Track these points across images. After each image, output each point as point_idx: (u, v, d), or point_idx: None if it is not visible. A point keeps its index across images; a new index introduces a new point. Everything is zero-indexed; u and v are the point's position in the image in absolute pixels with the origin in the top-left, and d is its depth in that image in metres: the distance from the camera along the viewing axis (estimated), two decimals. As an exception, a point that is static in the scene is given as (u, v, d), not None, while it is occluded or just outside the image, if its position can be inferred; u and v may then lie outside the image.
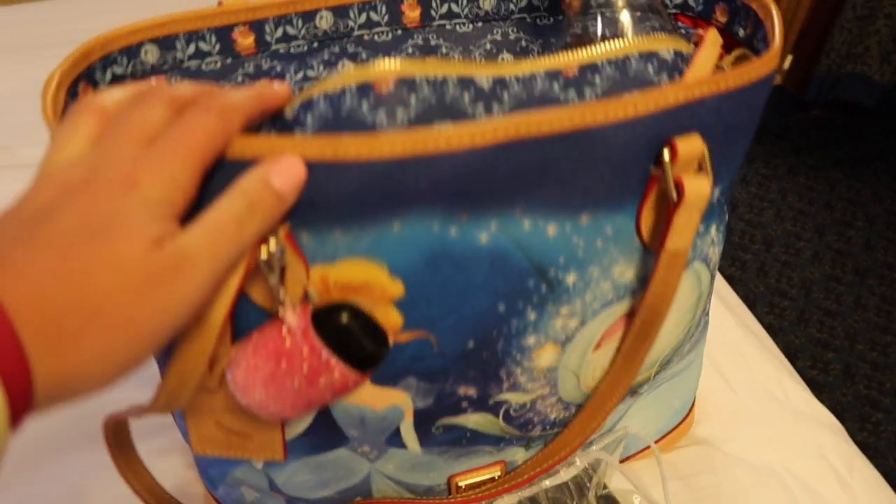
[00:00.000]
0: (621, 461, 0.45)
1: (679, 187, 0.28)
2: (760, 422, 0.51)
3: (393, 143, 0.24)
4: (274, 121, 0.27)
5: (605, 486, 0.44)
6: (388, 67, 0.27)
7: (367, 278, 0.28)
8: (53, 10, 0.96)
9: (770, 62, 0.28)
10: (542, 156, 0.26)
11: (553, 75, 0.29)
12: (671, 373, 0.42)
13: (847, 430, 0.52)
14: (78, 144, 0.24)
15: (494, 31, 0.36)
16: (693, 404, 0.48)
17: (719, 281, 0.62)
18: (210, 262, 0.23)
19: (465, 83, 0.28)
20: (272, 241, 0.25)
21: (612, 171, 0.27)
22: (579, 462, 0.40)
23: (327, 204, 0.26)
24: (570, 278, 0.30)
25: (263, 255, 0.26)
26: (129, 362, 0.22)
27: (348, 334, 0.28)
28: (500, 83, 0.28)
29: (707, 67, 0.29)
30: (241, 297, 0.27)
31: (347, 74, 0.27)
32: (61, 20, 0.93)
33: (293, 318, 0.27)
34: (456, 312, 0.30)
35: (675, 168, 0.27)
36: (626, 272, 0.31)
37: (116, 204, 0.22)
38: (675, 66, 0.29)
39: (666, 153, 0.27)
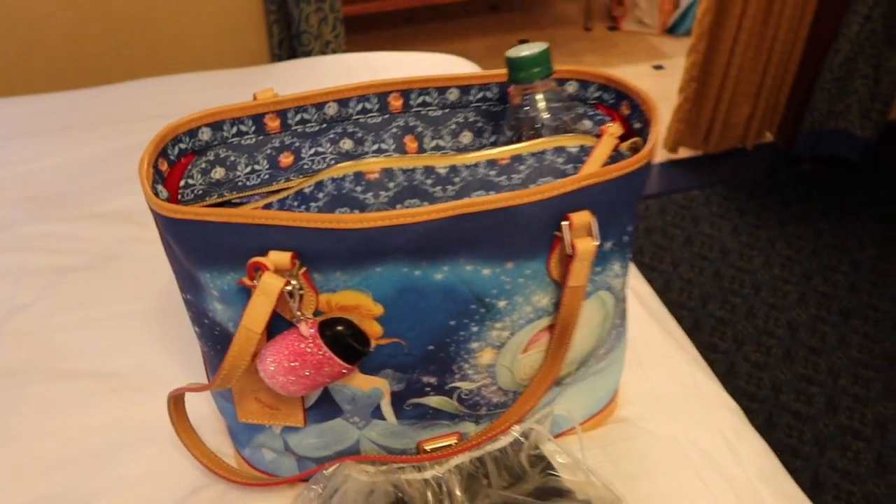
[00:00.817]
0: (555, 437, 0.58)
1: (573, 247, 0.40)
2: (672, 404, 0.63)
3: (377, 218, 0.37)
4: (296, 195, 0.39)
5: (536, 447, 0.56)
6: (375, 161, 0.39)
7: (358, 302, 0.41)
8: (121, 92, 1.11)
9: (642, 159, 0.41)
10: (479, 225, 0.38)
11: (491, 163, 0.41)
12: (593, 370, 0.55)
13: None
14: None
15: (458, 115, 0.49)
16: (616, 393, 0.61)
17: (646, 292, 0.75)
18: None
19: (429, 171, 0.40)
20: (293, 281, 0.38)
21: (528, 235, 0.40)
22: (515, 429, 0.53)
23: (332, 256, 0.38)
24: (501, 303, 0.43)
25: (288, 288, 0.38)
26: None
27: (343, 339, 0.41)
28: (453, 170, 0.41)
29: (600, 160, 0.41)
30: (274, 314, 0.40)
31: (347, 166, 0.39)
32: (129, 100, 1.09)
33: (306, 328, 0.40)
34: (420, 325, 0.43)
35: (571, 233, 0.40)
36: (542, 299, 0.44)
37: None
38: (579, 158, 0.42)
39: (564, 224, 0.40)
